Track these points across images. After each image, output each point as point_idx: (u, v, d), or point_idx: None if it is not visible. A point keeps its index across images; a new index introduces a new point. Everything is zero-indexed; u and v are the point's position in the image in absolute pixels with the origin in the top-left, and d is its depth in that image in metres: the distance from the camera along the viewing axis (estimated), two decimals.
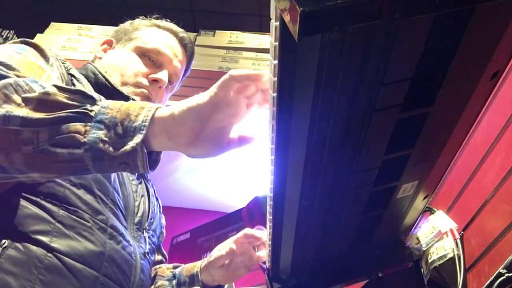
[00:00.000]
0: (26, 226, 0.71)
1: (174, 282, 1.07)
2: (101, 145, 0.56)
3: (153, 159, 0.60)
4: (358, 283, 0.91)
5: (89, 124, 0.57)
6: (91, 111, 0.57)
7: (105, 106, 0.58)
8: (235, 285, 1.44)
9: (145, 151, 0.56)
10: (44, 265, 0.70)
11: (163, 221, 1.13)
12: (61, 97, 0.58)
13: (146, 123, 0.57)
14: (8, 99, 0.58)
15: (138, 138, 0.56)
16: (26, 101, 0.58)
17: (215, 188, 2.33)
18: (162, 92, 1.03)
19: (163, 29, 1.09)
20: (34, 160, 0.58)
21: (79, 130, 0.56)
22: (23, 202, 0.72)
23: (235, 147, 0.61)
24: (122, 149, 0.56)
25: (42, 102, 0.58)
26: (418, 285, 0.90)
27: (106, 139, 0.56)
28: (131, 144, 0.56)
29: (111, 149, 0.56)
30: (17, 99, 0.58)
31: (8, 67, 0.67)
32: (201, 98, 0.57)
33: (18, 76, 0.64)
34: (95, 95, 0.60)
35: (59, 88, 0.59)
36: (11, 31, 2.07)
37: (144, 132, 0.56)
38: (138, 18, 1.12)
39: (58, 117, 0.56)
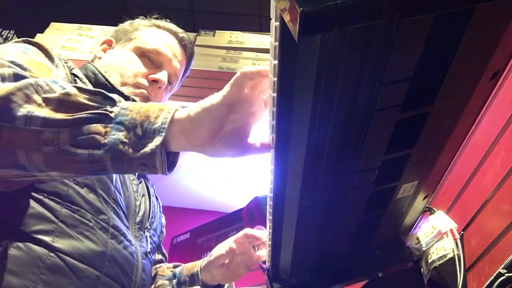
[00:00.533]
0: (29, 226, 0.71)
1: (174, 281, 1.07)
2: (121, 146, 0.56)
3: (171, 160, 0.60)
4: (358, 283, 0.91)
5: (109, 125, 0.57)
6: (111, 112, 0.58)
7: (124, 108, 0.58)
8: (235, 285, 1.44)
9: (164, 153, 0.57)
10: (46, 265, 0.70)
11: (163, 220, 1.13)
12: (82, 98, 0.58)
13: (166, 125, 0.57)
14: (29, 99, 0.58)
15: (157, 140, 0.56)
16: (47, 102, 0.58)
17: (215, 188, 2.33)
18: (161, 93, 1.03)
19: (162, 29, 1.08)
20: (54, 160, 0.58)
21: (99, 131, 0.56)
22: (26, 201, 0.72)
23: (255, 152, 0.60)
24: (142, 151, 0.56)
25: (63, 102, 0.58)
26: (418, 285, 0.90)
27: (126, 140, 0.56)
28: (150, 146, 0.56)
29: (130, 150, 0.56)
30: (38, 99, 0.58)
31: (21, 67, 0.67)
32: (215, 98, 0.57)
33: (31, 77, 0.64)
34: (115, 96, 0.60)
35: (79, 88, 0.60)
36: (11, 31, 2.07)
37: (163, 134, 0.56)
38: (138, 18, 1.12)
39: (79, 118, 0.57)
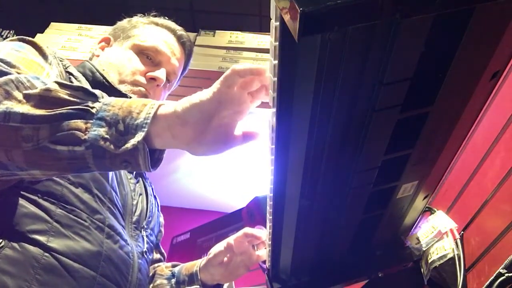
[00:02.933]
0: (23, 226, 0.70)
1: (173, 281, 1.06)
2: (102, 142, 0.55)
3: (156, 158, 0.59)
4: (358, 283, 0.91)
5: (90, 121, 0.56)
6: (92, 108, 0.57)
7: (107, 103, 0.58)
8: (235, 285, 1.44)
9: (147, 149, 0.56)
10: (41, 265, 0.70)
11: (161, 219, 1.13)
12: (63, 94, 0.57)
13: (148, 121, 0.56)
14: (8, 96, 0.57)
15: (139, 136, 0.55)
16: (27, 98, 0.57)
17: (215, 188, 2.33)
18: (160, 90, 1.03)
19: (161, 27, 1.08)
20: (34, 157, 0.57)
21: (79, 127, 0.55)
22: (20, 201, 0.71)
23: (239, 143, 0.60)
24: (123, 147, 0.55)
25: (43, 98, 0.57)
26: (418, 285, 0.90)
27: (107, 136, 0.55)
28: (132, 142, 0.55)
29: (112, 146, 0.55)
30: (18, 95, 0.58)
31: (9, 64, 0.67)
32: (205, 94, 0.57)
33: (19, 74, 0.64)
34: (97, 92, 0.59)
35: (60, 84, 0.59)
36: (11, 31, 2.07)
37: (145, 129, 0.55)
38: (136, 15, 1.12)
39: (59, 114, 0.56)
